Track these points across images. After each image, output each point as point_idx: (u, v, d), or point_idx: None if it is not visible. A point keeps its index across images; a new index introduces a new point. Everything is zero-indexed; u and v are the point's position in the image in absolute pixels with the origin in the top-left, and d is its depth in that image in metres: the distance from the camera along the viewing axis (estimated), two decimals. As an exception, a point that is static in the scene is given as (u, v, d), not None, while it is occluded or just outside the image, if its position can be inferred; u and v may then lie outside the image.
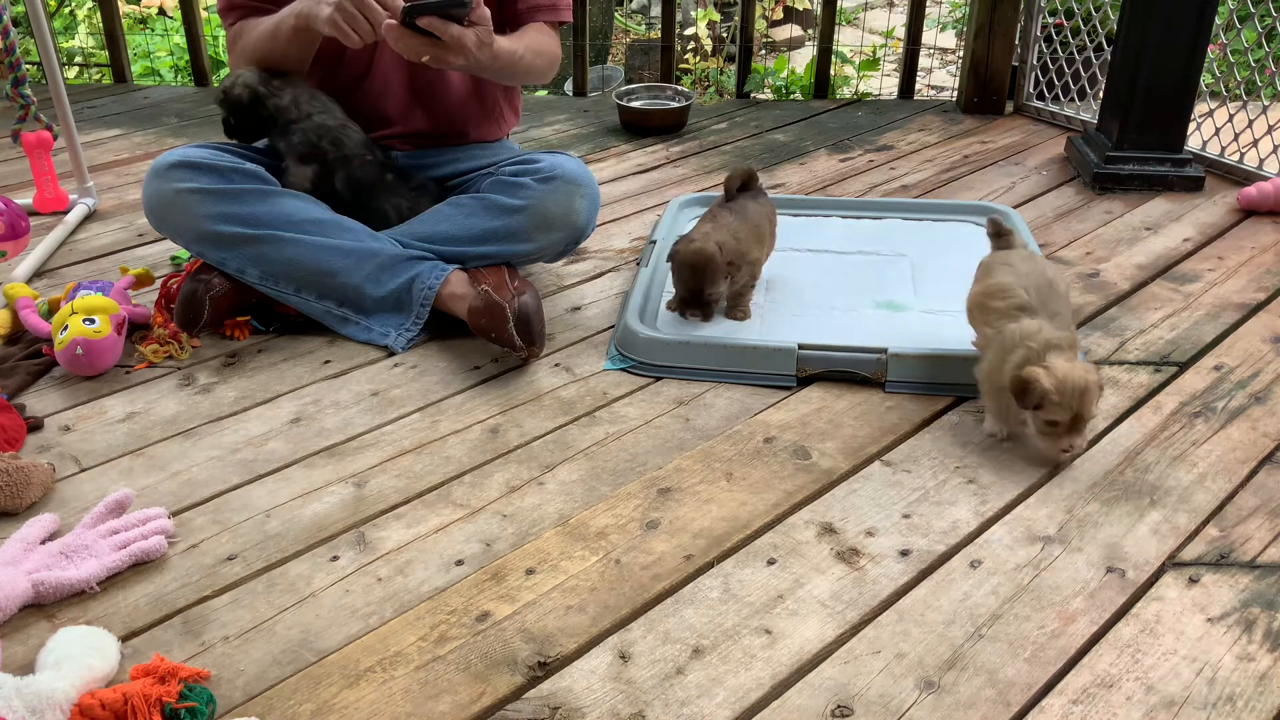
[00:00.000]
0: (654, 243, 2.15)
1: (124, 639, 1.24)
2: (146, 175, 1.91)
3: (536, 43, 1.95)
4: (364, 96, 2.01)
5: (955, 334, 1.86)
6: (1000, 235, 1.74)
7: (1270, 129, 2.57)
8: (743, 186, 1.96)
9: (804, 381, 1.77)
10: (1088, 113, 2.98)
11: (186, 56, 3.68)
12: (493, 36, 1.75)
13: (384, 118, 2.05)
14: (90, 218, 2.48)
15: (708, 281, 1.78)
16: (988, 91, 3.18)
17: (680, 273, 1.81)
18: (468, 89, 2.07)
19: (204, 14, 3.77)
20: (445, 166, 2.10)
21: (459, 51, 1.70)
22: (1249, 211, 2.45)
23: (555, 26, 2.02)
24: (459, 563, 1.38)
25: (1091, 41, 2.91)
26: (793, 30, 5.36)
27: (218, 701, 1.16)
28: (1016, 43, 3.12)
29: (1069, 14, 3.04)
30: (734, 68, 3.55)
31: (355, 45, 1.74)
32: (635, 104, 3.14)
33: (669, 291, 2.02)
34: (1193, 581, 1.33)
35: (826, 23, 3.34)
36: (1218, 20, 2.51)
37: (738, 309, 1.92)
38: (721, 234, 1.83)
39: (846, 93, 3.68)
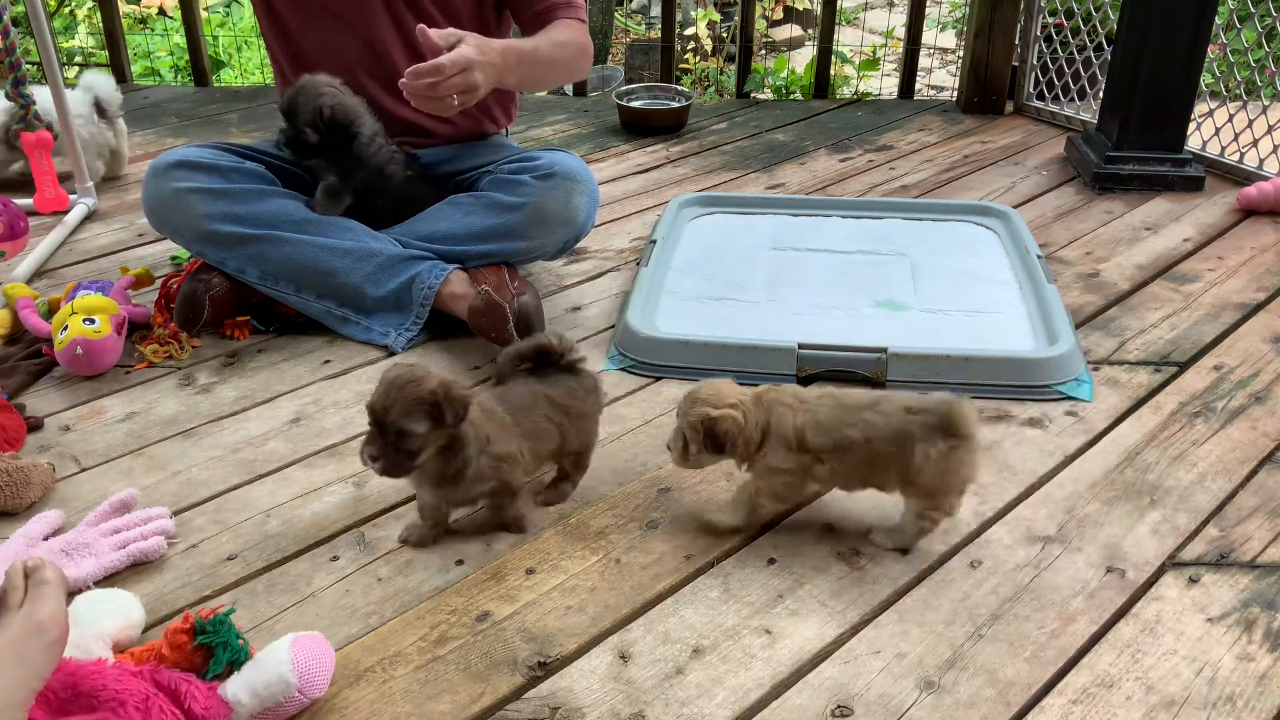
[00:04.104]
0: (654, 242, 2.15)
1: (124, 639, 1.24)
2: (146, 175, 1.91)
3: (556, 37, 1.91)
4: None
5: (955, 334, 1.86)
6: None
7: (1270, 129, 2.57)
8: (542, 362, 1.46)
9: (804, 381, 1.77)
10: (1088, 113, 2.98)
11: (186, 56, 3.67)
12: (479, 37, 1.69)
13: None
14: (90, 218, 2.48)
15: (398, 406, 1.25)
16: (988, 91, 3.18)
17: (376, 388, 1.29)
18: None
19: (204, 14, 3.77)
20: (444, 165, 2.10)
21: (465, 69, 1.63)
22: (1249, 211, 2.45)
23: (578, 21, 1.97)
24: (459, 562, 1.38)
25: (1091, 41, 2.91)
26: (793, 30, 5.36)
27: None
28: (1016, 43, 3.12)
29: (1069, 14, 3.04)
30: (734, 68, 3.54)
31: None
32: (635, 104, 3.14)
33: (670, 292, 2.03)
34: (1193, 581, 1.33)
35: (826, 23, 3.34)
36: (1218, 20, 2.51)
37: (504, 515, 1.43)
38: (480, 394, 1.38)
39: (846, 93, 3.68)
